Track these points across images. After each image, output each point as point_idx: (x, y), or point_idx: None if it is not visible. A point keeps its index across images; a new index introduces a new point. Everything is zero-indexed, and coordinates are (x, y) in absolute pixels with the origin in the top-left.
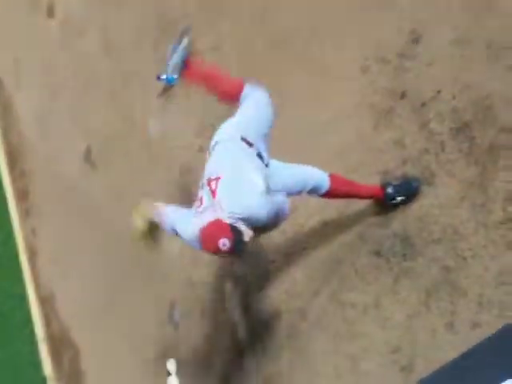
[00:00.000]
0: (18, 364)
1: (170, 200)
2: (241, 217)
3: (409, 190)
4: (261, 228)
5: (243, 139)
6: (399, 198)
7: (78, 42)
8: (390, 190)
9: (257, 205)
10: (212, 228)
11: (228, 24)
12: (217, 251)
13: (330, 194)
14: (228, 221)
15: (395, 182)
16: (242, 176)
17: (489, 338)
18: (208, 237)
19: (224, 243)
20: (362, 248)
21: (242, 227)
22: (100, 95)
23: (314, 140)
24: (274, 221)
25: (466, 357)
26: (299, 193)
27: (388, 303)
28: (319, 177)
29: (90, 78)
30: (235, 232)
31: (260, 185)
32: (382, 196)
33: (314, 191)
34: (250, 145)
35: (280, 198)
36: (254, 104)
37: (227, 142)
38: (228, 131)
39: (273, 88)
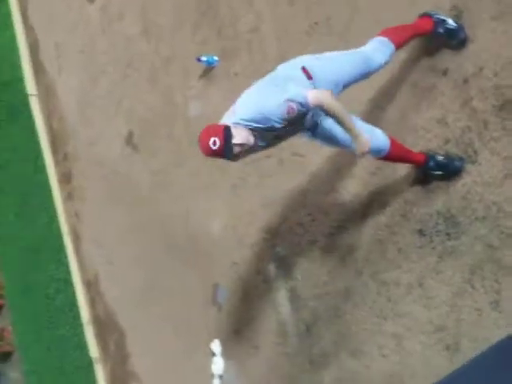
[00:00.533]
0: (65, 346)
1: (212, 178)
2: (248, 123)
3: (450, 168)
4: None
5: (303, 69)
6: (437, 173)
7: (117, 26)
8: (432, 163)
9: (270, 105)
10: (208, 129)
11: (265, 4)
12: (208, 150)
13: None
14: (230, 125)
15: (440, 158)
16: (269, 87)
17: (489, 350)
18: (202, 136)
19: (214, 142)
20: (405, 227)
21: (244, 132)
22: (140, 79)
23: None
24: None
25: (463, 371)
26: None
27: (432, 282)
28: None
29: (130, 62)
30: (227, 134)
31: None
32: (422, 163)
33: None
34: (309, 77)
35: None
36: (356, 56)
37: (287, 65)
38: (302, 58)
39: None
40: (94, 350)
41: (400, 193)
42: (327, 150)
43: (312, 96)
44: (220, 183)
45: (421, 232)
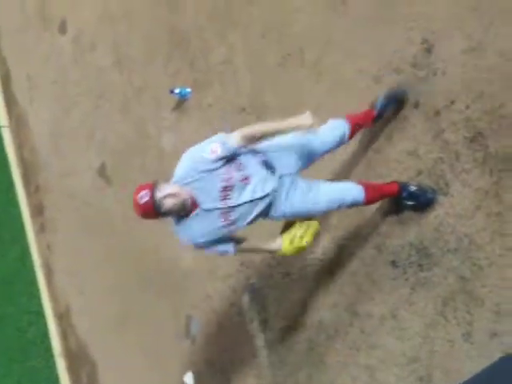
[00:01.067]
0: (36, 379)
1: None
2: (181, 179)
3: (422, 199)
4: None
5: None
6: (410, 203)
7: (89, 57)
8: (405, 194)
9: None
10: (138, 188)
11: (239, 36)
12: (138, 207)
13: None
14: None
15: (413, 188)
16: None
17: (485, 371)
18: (133, 196)
19: (142, 196)
20: (378, 258)
21: (176, 187)
22: (113, 109)
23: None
24: None
25: None
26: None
27: (405, 313)
28: (355, 192)
29: (102, 93)
30: (155, 189)
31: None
32: (395, 194)
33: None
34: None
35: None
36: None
37: None
38: None
39: (286, 100)
40: (65, 383)
41: (373, 225)
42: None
43: (234, 135)
44: None
45: (394, 263)
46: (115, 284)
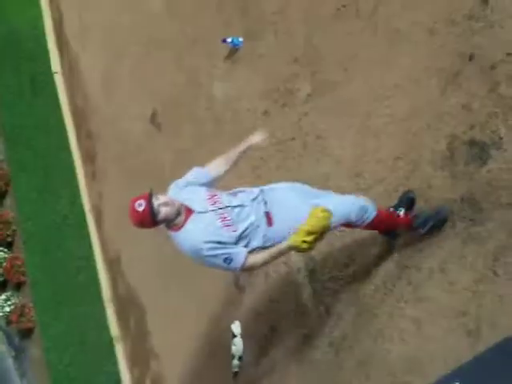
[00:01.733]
0: (85, 324)
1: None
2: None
3: (438, 218)
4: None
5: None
6: (428, 226)
7: (142, 4)
8: (419, 220)
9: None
10: (134, 198)
11: None
12: (135, 214)
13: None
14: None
15: (425, 214)
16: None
17: (488, 352)
18: (130, 206)
19: (140, 203)
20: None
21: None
22: (165, 58)
23: (381, 104)
24: None
25: (462, 371)
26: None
27: (454, 267)
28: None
29: (154, 41)
30: (152, 197)
31: None
32: (410, 224)
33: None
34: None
35: None
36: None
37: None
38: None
39: (340, 51)
40: (114, 329)
41: (424, 178)
42: (352, 134)
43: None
44: (241, 163)
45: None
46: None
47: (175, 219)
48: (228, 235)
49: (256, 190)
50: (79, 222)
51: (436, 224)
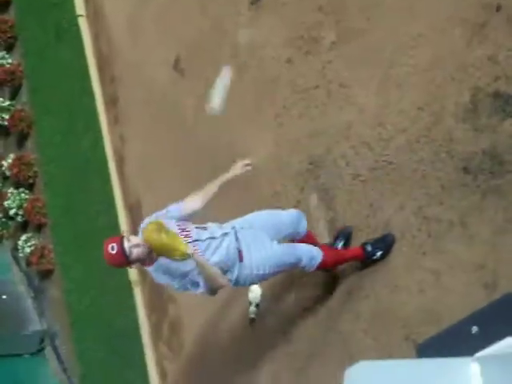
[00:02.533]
0: (104, 267)
1: (257, 106)
2: None
3: (385, 243)
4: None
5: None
6: (379, 254)
7: None
8: (368, 247)
9: None
10: (107, 240)
11: None
12: (109, 256)
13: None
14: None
15: (370, 241)
16: None
17: (505, 296)
18: (104, 247)
19: (112, 247)
20: (450, 164)
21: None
22: (190, 4)
23: (405, 53)
24: None
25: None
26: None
27: (474, 221)
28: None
29: None
30: (123, 240)
31: None
32: (362, 255)
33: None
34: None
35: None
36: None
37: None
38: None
39: (364, 0)
40: (133, 273)
41: (446, 130)
42: (375, 84)
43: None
44: (265, 111)
45: (465, 170)
46: (186, 178)
47: (147, 258)
48: (187, 267)
49: (228, 227)
50: (101, 166)
51: (385, 251)
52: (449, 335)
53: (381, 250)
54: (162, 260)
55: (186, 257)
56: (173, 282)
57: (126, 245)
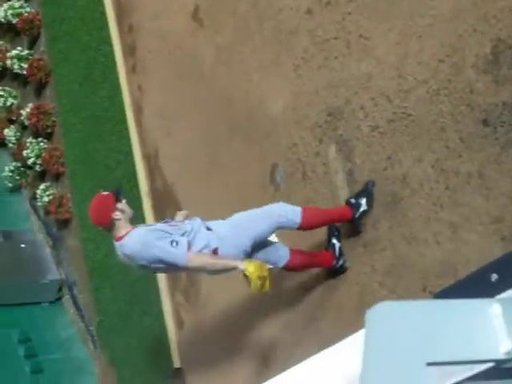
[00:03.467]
0: None
1: (275, 57)
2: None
3: (367, 191)
4: None
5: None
6: (363, 201)
7: None
8: (352, 200)
9: None
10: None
11: None
12: (96, 198)
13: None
14: None
15: (352, 195)
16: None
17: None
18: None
19: (104, 192)
20: (469, 116)
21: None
22: None
23: (425, 4)
24: None
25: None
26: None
27: (492, 173)
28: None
29: None
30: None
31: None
32: (350, 211)
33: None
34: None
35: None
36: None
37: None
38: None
39: None
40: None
41: (467, 81)
42: (395, 35)
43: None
44: (283, 63)
45: (485, 122)
46: (203, 127)
47: (125, 224)
48: (174, 231)
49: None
50: (119, 115)
51: (368, 197)
52: (467, 283)
53: (364, 197)
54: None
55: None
56: (147, 251)
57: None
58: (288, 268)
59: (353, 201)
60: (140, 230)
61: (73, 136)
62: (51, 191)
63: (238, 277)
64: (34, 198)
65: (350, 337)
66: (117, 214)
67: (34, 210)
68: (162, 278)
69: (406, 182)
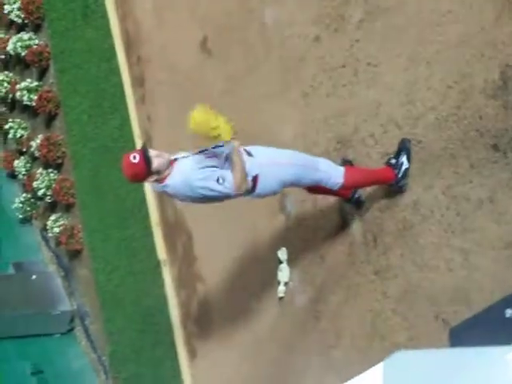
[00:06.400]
0: (133, 246)
1: (284, 85)
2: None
3: (404, 147)
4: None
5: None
6: (404, 158)
7: None
8: (392, 160)
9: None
10: (127, 153)
11: None
12: (129, 165)
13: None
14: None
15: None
16: None
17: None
18: (123, 160)
19: (134, 156)
20: (479, 141)
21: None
22: None
23: (434, 30)
24: None
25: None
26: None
27: (503, 198)
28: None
29: None
30: (144, 148)
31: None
32: (392, 171)
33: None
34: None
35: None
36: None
37: None
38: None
39: None
40: (161, 252)
41: (476, 107)
42: (403, 61)
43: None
44: (292, 91)
45: (495, 147)
46: None
47: (165, 171)
48: (214, 162)
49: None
50: (128, 146)
51: (407, 153)
52: (482, 319)
53: (404, 154)
54: (177, 168)
55: (225, 138)
56: (192, 186)
57: (149, 154)
58: (346, 187)
59: (393, 161)
60: (181, 169)
61: (83, 167)
62: (62, 222)
63: (249, 307)
64: (44, 229)
65: (366, 373)
66: (153, 177)
67: (44, 241)
68: (174, 308)
69: (417, 209)
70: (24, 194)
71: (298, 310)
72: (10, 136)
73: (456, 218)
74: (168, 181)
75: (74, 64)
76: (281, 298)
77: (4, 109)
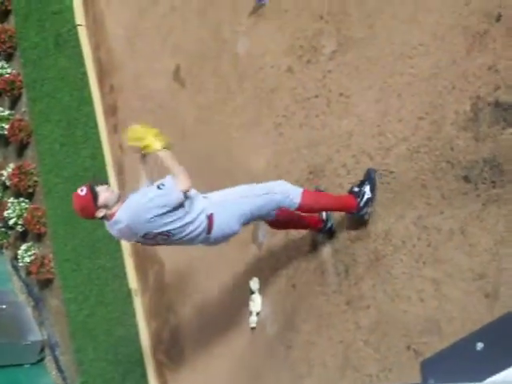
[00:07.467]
0: (104, 276)
1: (256, 115)
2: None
3: (369, 178)
4: None
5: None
6: (367, 188)
7: None
8: (355, 189)
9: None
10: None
11: None
12: (77, 198)
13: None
14: None
15: (354, 185)
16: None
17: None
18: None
19: (82, 189)
20: (450, 173)
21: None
22: (189, 13)
23: (405, 62)
24: None
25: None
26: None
27: (474, 230)
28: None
29: None
30: (93, 185)
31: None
32: (354, 199)
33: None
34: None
35: None
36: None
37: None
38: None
39: (365, 8)
40: (133, 282)
41: (447, 139)
42: (375, 93)
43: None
44: (265, 121)
45: (466, 179)
46: None
47: (113, 206)
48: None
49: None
50: (100, 175)
51: (371, 183)
52: (454, 352)
53: (368, 184)
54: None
55: (154, 147)
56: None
57: (96, 188)
58: (304, 208)
59: (356, 189)
60: (130, 202)
61: (54, 196)
62: (33, 251)
63: (221, 337)
64: (15, 258)
65: None
66: (101, 211)
67: (15, 271)
68: (145, 338)
69: (389, 239)
70: None
71: (269, 339)
72: None
73: (427, 249)
74: (116, 216)
75: (47, 93)
76: (253, 328)
77: None
